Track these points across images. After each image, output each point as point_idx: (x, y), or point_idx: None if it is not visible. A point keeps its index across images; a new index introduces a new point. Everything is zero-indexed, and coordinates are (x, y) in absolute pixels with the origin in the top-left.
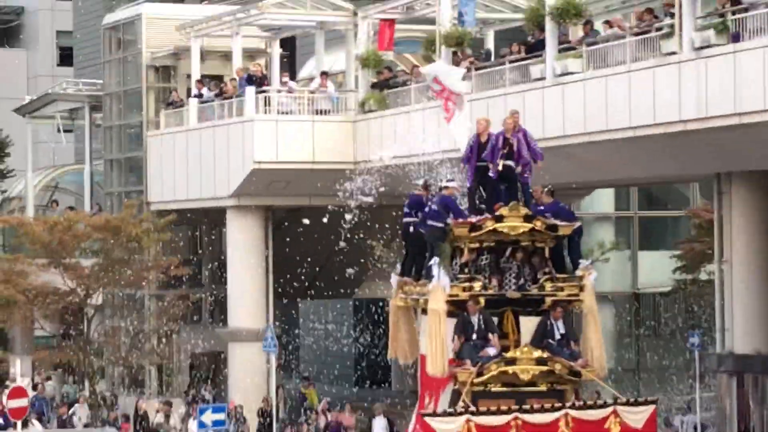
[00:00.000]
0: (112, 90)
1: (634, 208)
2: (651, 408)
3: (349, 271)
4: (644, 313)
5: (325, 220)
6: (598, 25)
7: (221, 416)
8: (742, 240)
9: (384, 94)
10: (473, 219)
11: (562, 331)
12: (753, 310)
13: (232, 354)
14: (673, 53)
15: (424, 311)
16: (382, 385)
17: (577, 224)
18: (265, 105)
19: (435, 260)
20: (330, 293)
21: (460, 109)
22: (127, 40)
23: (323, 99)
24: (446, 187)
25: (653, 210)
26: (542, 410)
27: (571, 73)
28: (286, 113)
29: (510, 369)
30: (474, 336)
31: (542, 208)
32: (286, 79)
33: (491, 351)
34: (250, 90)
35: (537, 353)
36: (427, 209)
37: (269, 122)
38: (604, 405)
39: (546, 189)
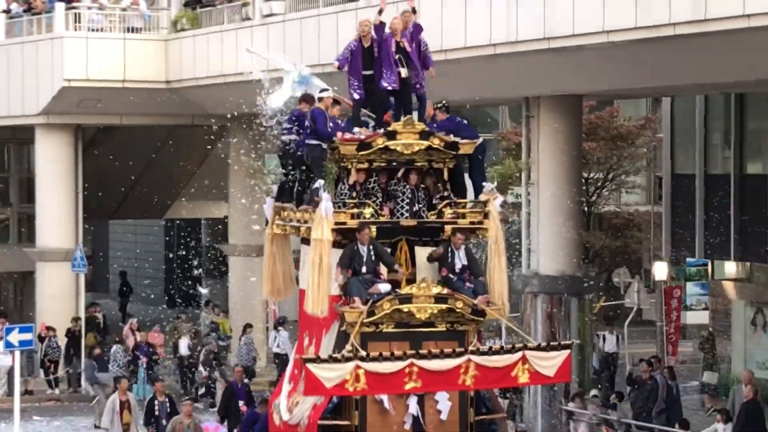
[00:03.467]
0: None
1: None
2: (564, 354)
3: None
4: None
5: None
6: None
7: (29, 336)
8: (548, 163)
9: (197, 12)
10: (361, 135)
11: (464, 261)
12: (558, 232)
13: (40, 274)
14: None
15: (305, 241)
16: (192, 305)
17: (480, 140)
18: (75, 21)
19: (320, 183)
20: (141, 213)
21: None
22: None
23: (135, 16)
24: (320, 99)
25: None
26: (442, 355)
27: None
28: (97, 30)
29: (405, 307)
30: (363, 269)
31: (436, 125)
32: None
33: (383, 287)
34: (60, 6)
35: (436, 289)
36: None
37: (79, 39)
38: (512, 350)
39: (440, 105)
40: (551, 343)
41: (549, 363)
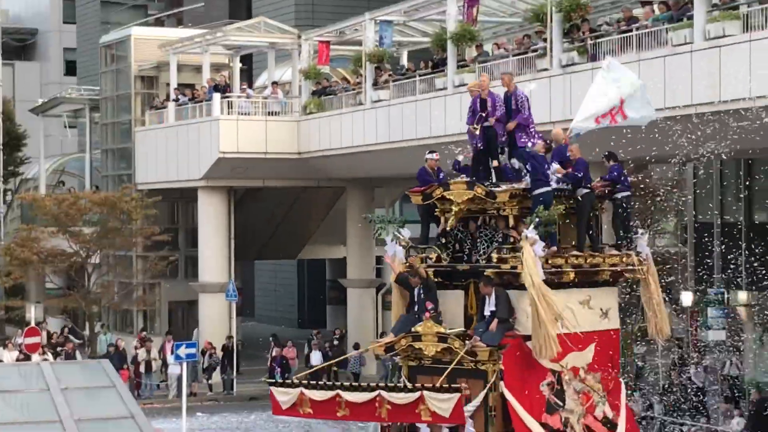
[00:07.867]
0: (107, 95)
1: None
2: (456, 396)
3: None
4: None
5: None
6: (488, 47)
7: (193, 350)
8: None
9: (322, 99)
10: (423, 187)
11: (492, 307)
12: None
13: (202, 303)
14: (545, 69)
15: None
16: (319, 325)
17: (543, 190)
18: (228, 108)
19: (391, 233)
20: (279, 255)
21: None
22: (119, 55)
23: (274, 103)
24: (426, 159)
25: None
26: (359, 389)
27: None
28: (245, 114)
29: (417, 344)
30: (415, 308)
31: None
32: (244, 87)
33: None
34: (216, 96)
35: (437, 329)
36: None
37: (231, 121)
38: (413, 389)
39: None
40: (443, 386)
41: (444, 405)
